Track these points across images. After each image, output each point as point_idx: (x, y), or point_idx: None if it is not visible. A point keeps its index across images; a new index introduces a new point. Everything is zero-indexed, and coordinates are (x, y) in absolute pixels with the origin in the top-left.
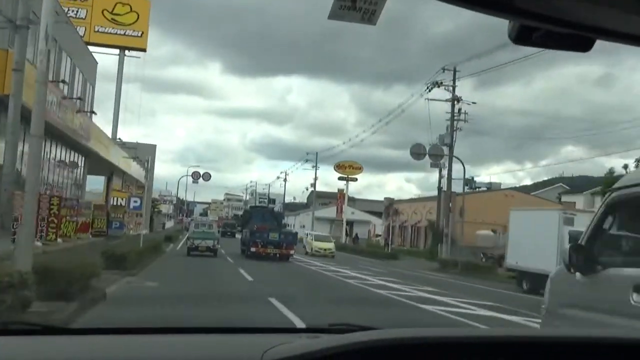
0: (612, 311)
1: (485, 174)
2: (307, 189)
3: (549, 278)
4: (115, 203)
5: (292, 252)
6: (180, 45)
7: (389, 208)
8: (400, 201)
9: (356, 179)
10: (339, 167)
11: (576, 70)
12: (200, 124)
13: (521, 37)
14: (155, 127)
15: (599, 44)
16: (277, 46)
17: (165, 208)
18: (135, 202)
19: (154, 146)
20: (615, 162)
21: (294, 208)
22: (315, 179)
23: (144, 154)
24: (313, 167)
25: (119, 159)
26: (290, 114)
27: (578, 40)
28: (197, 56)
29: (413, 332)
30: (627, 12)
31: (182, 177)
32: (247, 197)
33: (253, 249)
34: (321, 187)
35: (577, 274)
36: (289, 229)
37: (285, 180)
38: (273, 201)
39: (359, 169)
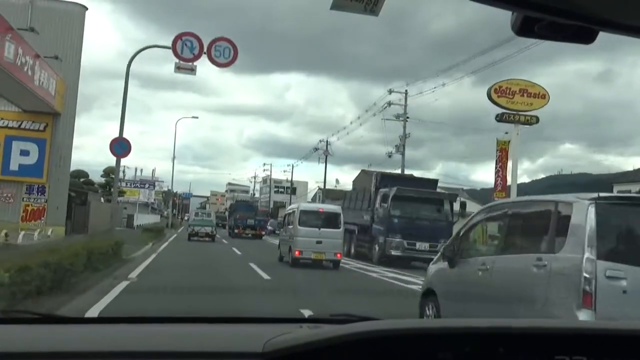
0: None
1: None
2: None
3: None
4: None
5: (263, 232)
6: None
7: None
8: None
9: (536, 120)
10: (498, 92)
11: (577, 66)
12: (197, 122)
13: (524, 28)
14: (152, 124)
15: (601, 38)
16: (275, 43)
17: (144, 195)
18: (24, 152)
19: (83, 9)
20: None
21: (338, 196)
22: (406, 135)
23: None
24: (400, 118)
25: None
26: (288, 111)
27: (581, 31)
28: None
29: (414, 322)
30: (630, 3)
31: (145, 48)
32: (258, 186)
33: (236, 231)
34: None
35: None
36: (261, 218)
37: (326, 154)
38: (294, 190)
39: (542, 98)
